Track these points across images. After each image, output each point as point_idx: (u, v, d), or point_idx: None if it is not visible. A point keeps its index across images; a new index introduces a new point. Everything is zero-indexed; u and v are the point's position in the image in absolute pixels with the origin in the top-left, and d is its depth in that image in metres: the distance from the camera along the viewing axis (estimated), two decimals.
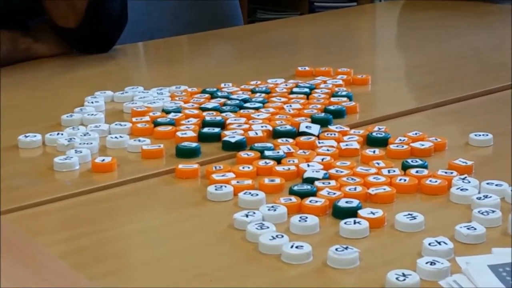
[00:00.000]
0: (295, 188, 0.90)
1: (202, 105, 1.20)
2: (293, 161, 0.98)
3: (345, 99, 1.22)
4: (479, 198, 0.86)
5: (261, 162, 0.98)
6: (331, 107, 1.18)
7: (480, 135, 1.06)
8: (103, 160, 1.00)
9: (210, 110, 1.18)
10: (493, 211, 0.83)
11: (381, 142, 1.05)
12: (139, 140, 1.07)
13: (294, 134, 1.07)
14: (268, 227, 0.81)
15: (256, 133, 1.07)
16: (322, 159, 0.98)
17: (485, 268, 0.71)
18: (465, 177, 0.92)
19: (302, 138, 1.05)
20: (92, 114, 1.17)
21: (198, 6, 1.63)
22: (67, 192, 0.93)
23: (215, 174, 0.94)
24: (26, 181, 0.97)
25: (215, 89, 1.29)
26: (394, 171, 0.95)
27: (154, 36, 1.83)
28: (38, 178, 0.98)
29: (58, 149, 1.05)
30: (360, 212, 0.84)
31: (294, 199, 0.87)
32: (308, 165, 0.96)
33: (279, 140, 1.05)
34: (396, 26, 1.79)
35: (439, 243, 0.77)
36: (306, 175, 0.94)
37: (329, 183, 0.91)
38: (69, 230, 0.85)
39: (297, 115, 1.15)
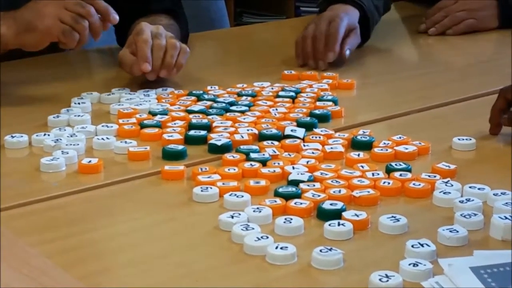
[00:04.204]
0: (280, 190, 0.91)
1: (189, 108, 1.21)
2: (278, 163, 0.99)
3: (330, 103, 1.23)
4: (461, 202, 0.88)
5: (247, 164, 0.98)
6: (317, 111, 1.18)
7: (463, 139, 1.08)
8: (90, 161, 1.00)
9: (197, 112, 1.19)
10: (475, 214, 0.84)
11: (366, 146, 1.06)
12: (126, 142, 1.07)
13: (280, 138, 1.08)
14: (253, 228, 0.81)
15: (242, 136, 1.08)
16: (307, 162, 0.99)
17: (467, 270, 0.72)
18: (448, 181, 0.93)
19: (288, 141, 1.06)
20: (79, 115, 1.18)
21: (185, 9, 1.63)
22: (53, 193, 0.94)
23: (201, 175, 0.95)
24: (13, 181, 0.97)
25: (201, 92, 1.29)
26: (378, 174, 0.96)
27: None
28: (24, 179, 0.98)
29: (45, 150, 1.06)
30: (344, 214, 0.85)
31: (279, 201, 0.88)
32: (293, 168, 0.97)
33: (265, 143, 1.06)
34: (382, 30, 1.80)
35: (422, 245, 0.78)
36: (291, 177, 0.94)
37: (314, 185, 0.92)
38: (55, 231, 0.85)
39: (282, 119, 1.15)
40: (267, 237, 0.79)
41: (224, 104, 1.22)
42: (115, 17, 1.27)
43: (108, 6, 1.27)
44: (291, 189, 0.91)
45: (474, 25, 1.74)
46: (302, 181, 0.93)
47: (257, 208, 0.86)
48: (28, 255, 0.79)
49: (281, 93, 1.28)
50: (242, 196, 0.89)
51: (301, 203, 0.87)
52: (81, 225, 0.87)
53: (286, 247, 0.77)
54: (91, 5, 1.25)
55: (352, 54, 1.47)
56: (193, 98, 1.26)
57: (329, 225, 0.82)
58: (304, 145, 1.05)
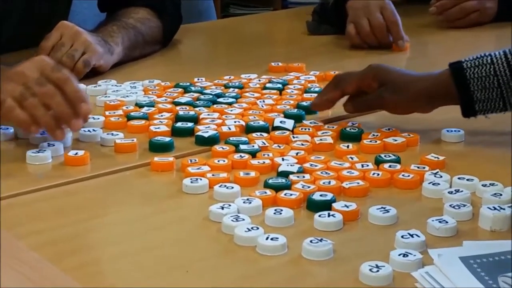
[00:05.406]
0: (270, 181, 0.90)
1: (176, 100, 1.20)
2: (268, 155, 0.99)
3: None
4: (450, 193, 0.88)
5: (236, 156, 0.98)
6: (304, 103, 1.18)
7: (452, 131, 1.08)
8: (76, 153, 0.99)
9: (184, 104, 1.18)
10: (464, 205, 0.85)
11: (355, 137, 1.06)
12: (112, 134, 1.06)
13: (267, 129, 1.08)
14: (243, 219, 0.81)
15: (229, 128, 1.07)
16: (297, 153, 0.99)
17: (456, 260, 0.73)
18: (437, 172, 0.93)
19: (277, 133, 1.06)
20: None
21: None
22: (40, 185, 0.93)
23: (191, 167, 0.95)
24: None
25: (188, 84, 1.29)
26: (368, 165, 0.96)
27: None
28: (10, 171, 0.97)
29: (31, 142, 1.05)
30: (334, 205, 0.84)
31: (269, 192, 0.88)
32: (283, 159, 0.97)
33: (254, 134, 1.06)
34: None
35: (411, 235, 0.78)
36: (281, 168, 0.94)
37: (304, 176, 0.92)
38: (42, 223, 0.85)
39: (270, 111, 1.15)
40: (258, 228, 0.79)
41: (211, 96, 1.22)
42: (87, 107, 1.00)
43: (81, 92, 1.00)
44: (281, 180, 0.91)
45: (476, 19, 1.75)
46: (292, 173, 0.93)
47: (247, 199, 0.85)
48: (16, 248, 0.78)
49: (268, 85, 1.28)
50: (232, 188, 0.89)
51: (291, 194, 0.87)
52: (68, 217, 0.86)
53: (277, 238, 0.77)
54: (58, 86, 0.99)
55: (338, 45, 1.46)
56: (180, 90, 1.26)
57: (319, 216, 0.82)
58: (293, 137, 1.05)
